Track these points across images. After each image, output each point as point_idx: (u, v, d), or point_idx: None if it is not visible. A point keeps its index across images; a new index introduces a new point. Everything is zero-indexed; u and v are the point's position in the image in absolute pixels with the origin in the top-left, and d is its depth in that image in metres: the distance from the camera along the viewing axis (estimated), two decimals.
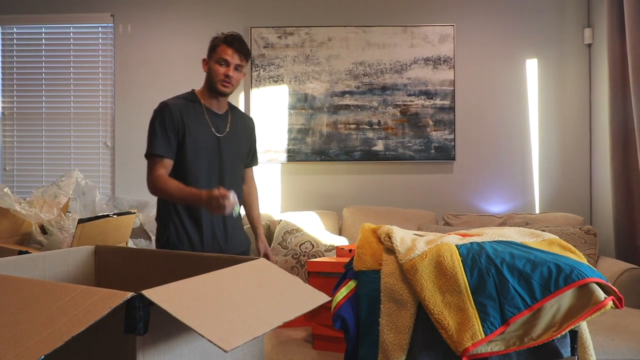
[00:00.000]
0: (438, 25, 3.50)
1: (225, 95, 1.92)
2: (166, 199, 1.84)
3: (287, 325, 1.71)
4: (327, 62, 3.50)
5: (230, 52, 1.86)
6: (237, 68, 1.89)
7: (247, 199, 2.16)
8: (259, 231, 2.13)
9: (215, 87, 1.88)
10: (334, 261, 1.78)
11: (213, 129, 1.91)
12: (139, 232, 3.09)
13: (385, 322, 1.12)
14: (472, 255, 1.13)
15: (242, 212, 2.05)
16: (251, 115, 3.11)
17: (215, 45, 1.91)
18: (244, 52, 1.89)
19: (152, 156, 1.86)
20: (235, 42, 1.87)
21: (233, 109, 2.05)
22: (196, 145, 1.86)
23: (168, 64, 3.59)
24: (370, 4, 3.55)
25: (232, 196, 1.56)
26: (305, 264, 2.75)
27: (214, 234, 1.88)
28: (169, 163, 1.85)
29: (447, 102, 3.49)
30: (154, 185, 1.82)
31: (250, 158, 2.14)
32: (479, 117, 3.54)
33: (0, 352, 0.64)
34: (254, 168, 2.22)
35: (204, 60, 1.95)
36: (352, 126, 3.51)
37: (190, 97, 1.94)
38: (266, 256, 2.09)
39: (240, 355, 1.00)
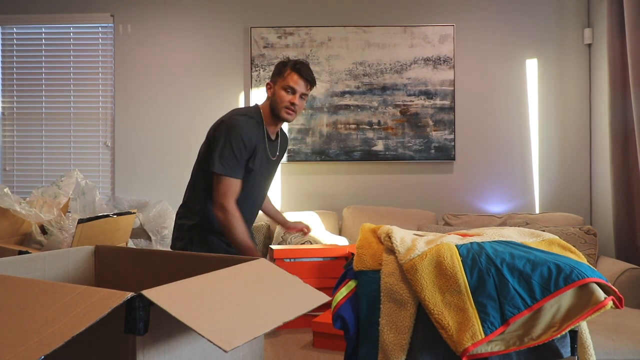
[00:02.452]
0: (438, 25, 3.50)
1: (288, 121, 1.89)
2: (225, 231, 1.77)
3: (287, 325, 1.71)
4: (327, 62, 3.50)
5: (297, 80, 1.82)
6: (302, 96, 1.86)
7: (271, 207, 2.25)
8: (282, 218, 2.21)
9: (279, 114, 1.84)
10: (296, 248, 1.89)
11: (269, 154, 1.91)
12: (139, 232, 3.09)
13: (385, 322, 1.12)
14: (472, 255, 1.13)
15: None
16: None
17: (282, 71, 1.85)
18: (311, 80, 1.86)
19: (226, 177, 1.76)
20: (303, 70, 1.83)
21: (280, 129, 2.04)
22: (253, 169, 1.84)
23: (168, 63, 3.59)
24: (370, 4, 3.55)
25: None
26: None
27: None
28: (240, 187, 1.81)
29: (447, 102, 3.49)
30: (228, 216, 1.74)
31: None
32: (479, 117, 3.54)
33: (0, 352, 0.64)
34: None
35: (268, 84, 1.89)
36: (352, 126, 3.51)
37: (257, 117, 1.88)
38: (296, 225, 2.21)
39: (240, 355, 1.00)
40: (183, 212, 1.92)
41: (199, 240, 1.85)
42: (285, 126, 3.49)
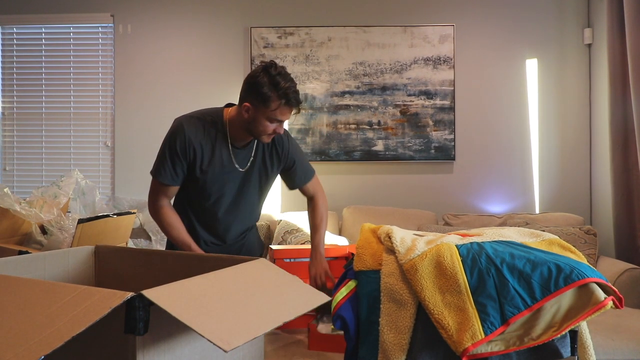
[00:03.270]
0: (438, 25, 3.50)
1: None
2: (162, 230, 1.73)
3: (287, 325, 1.71)
4: (327, 62, 3.50)
5: (287, 113, 1.58)
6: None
7: (310, 218, 1.89)
8: (314, 240, 1.80)
9: (258, 138, 1.66)
10: (296, 248, 1.86)
11: (236, 164, 1.70)
12: (139, 232, 3.09)
13: (385, 322, 1.12)
14: (472, 255, 1.13)
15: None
16: None
17: (267, 101, 1.53)
18: (299, 107, 1.62)
19: (153, 178, 1.70)
20: (294, 98, 1.56)
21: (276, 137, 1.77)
22: (210, 180, 1.69)
23: (168, 63, 3.59)
24: (370, 4, 3.55)
25: None
26: None
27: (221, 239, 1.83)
28: (173, 191, 1.72)
29: (447, 102, 3.49)
30: (155, 213, 1.72)
31: (299, 176, 1.83)
32: (479, 117, 3.54)
33: (0, 352, 0.64)
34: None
35: (245, 106, 1.58)
36: (352, 126, 3.51)
37: (216, 121, 1.67)
38: (318, 283, 1.70)
39: (240, 355, 1.00)
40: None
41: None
42: (285, 126, 3.49)
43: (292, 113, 1.62)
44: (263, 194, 1.86)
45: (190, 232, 1.76)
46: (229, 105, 1.75)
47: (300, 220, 3.08)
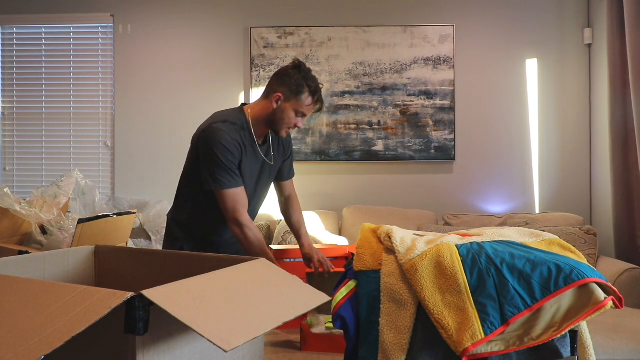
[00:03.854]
0: (438, 25, 3.50)
1: (281, 137, 1.81)
2: (242, 245, 1.70)
3: (287, 325, 1.71)
4: (327, 62, 3.50)
5: (312, 109, 1.73)
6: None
7: (289, 212, 1.98)
8: (301, 232, 1.91)
9: (278, 130, 1.73)
10: (296, 248, 1.88)
11: (264, 157, 1.79)
12: (139, 232, 3.09)
13: (385, 322, 1.12)
14: (472, 255, 1.13)
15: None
16: None
17: (300, 94, 1.67)
18: (322, 106, 1.77)
19: (227, 190, 1.66)
20: (321, 100, 1.73)
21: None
22: (246, 178, 1.74)
23: (168, 63, 3.59)
24: (370, 4, 3.55)
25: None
26: None
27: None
28: (245, 195, 1.72)
29: (447, 102, 3.49)
30: (240, 227, 1.67)
31: (287, 170, 1.96)
32: (479, 117, 3.54)
33: (0, 352, 0.64)
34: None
35: (277, 95, 1.68)
36: (352, 126, 3.51)
37: (241, 122, 1.72)
38: (309, 257, 1.80)
39: (240, 356, 1.00)
40: (170, 221, 1.87)
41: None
42: None
43: (314, 111, 1.75)
44: (270, 186, 1.94)
45: (207, 235, 1.81)
46: (244, 104, 1.82)
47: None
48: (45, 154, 3.68)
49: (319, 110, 1.75)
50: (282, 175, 1.95)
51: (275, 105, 1.69)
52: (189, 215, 1.81)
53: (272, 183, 1.95)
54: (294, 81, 1.66)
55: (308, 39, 3.50)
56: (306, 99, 1.68)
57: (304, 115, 1.72)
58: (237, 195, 1.67)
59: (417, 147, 3.50)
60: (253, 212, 1.87)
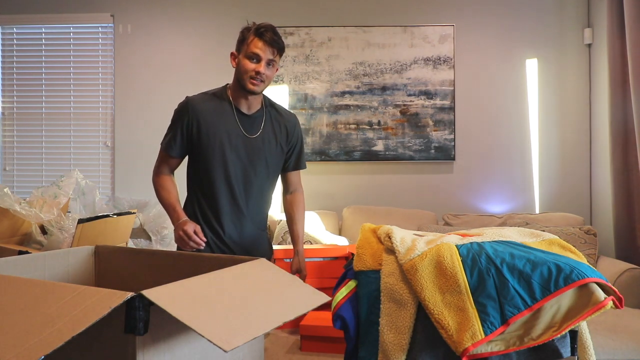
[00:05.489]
0: (438, 25, 3.50)
1: (255, 93, 1.72)
2: (156, 195, 1.81)
3: (287, 325, 1.71)
4: (327, 62, 3.50)
5: (262, 46, 1.65)
6: (270, 63, 1.68)
7: (289, 210, 1.92)
8: (297, 248, 1.84)
9: (243, 85, 1.69)
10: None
11: (243, 131, 1.74)
12: (139, 232, 3.09)
13: (385, 322, 1.12)
14: (472, 255, 1.13)
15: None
16: None
17: (244, 38, 1.68)
18: (278, 45, 1.67)
19: (161, 150, 1.80)
20: (268, 34, 1.65)
21: (270, 106, 1.84)
22: (216, 148, 1.72)
23: (168, 63, 3.59)
24: (370, 4, 3.55)
25: (200, 239, 1.62)
26: None
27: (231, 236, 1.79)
28: (173, 161, 1.79)
29: (447, 102, 3.49)
30: (153, 180, 1.81)
31: (293, 161, 1.89)
32: (479, 117, 3.54)
33: (0, 352, 0.64)
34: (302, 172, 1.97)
35: (232, 54, 1.73)
36: (352, 126, 3.51)
37: (219, 93, 1.77)
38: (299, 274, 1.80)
39: (240, 355, 1.00)
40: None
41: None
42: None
43: (273, 54, 1.68)
44: (271, 173, 1.84)
45: (211, 225, 1.77)
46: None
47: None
48: (45, 154, 3.68)
49: (262, 34, 1.66)
50: (287, 165, 1.89)
51: (235, 64, 1.72)
52: (188, 203, 1.83)
53: (280, 176, 1.90)
54: (240, 34, 1.71)
55: (308, 39, 3.50)
56: (249, 38, 1.67)
57: (257, 57, 1.66)
58: (163, 157, 1.78)
59: (417, 147, 3.50)
60: (242, 189, 1.78)
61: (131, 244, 2.87)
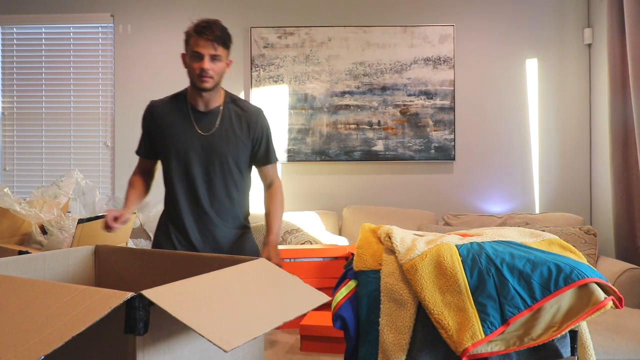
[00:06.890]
0: (438, 25, 3.50)
1: (207, 90, 1.72)
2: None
3: (287, 325, 1.71)
4: (327, 62, 3.50)
5: (203, 43, 1.67)
6: (215, 58, 1.69)
7: (266, 204, 1.89)
8: (269, 238, 1.80)
9: (195, 84, 1.73)
10: (296, 248, 1.90)
11: (197, 129, 1.77)
12: (139, 232, 3.09)
13: (385, 322, 1.12)
14: (472, 255, 1.13)
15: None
16: None
17: (187, 38, 1.73)
18: (218, 39, 1.68)
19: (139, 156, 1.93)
20: (206, 31, 1.67)
21: (231, 102, 1.83)
22: (174, 147, 1.77)
23: (168, 63, 3.59)
24: (370, 4, 3.55)
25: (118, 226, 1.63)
26: None
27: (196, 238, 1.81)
28: (144, 163, 1.90)
29: (447, 102, 3.49)
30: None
31: (262, 155, 1.86)
32: (479, 117, 3.54)
33: (0, 352, 0.64)
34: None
35: (182, 55, 1.76)
36: (352, 126, 3.51)
37: (179, 94, 1.84)
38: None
39: (240, 355, 1.00)
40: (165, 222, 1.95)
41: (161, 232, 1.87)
42: (285, 126, 3.50)
43: (215, 48, 1.68)
44: (235, 170, 1.81)
45: (183, 231, 1.80)
46: None
47: (301, 220, 3.08)
48: (45, 154, 3.68)
49: (200, 32, 1.68)
50: (257, 160, 1.87)
51: (185, 66, 1.76)
52: (164, 208, 1.88)
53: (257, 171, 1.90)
54: (184, 36, 1.75)
55: (308, 39, 3.50)
56: (191, 37, 1.70)
57: (200, 56, 1.68)
58: (140, 161, 1.91)
59: (417, 147, 3.50)
60: (204, 188, 1.78)
61: (131, 244, 2.87)
